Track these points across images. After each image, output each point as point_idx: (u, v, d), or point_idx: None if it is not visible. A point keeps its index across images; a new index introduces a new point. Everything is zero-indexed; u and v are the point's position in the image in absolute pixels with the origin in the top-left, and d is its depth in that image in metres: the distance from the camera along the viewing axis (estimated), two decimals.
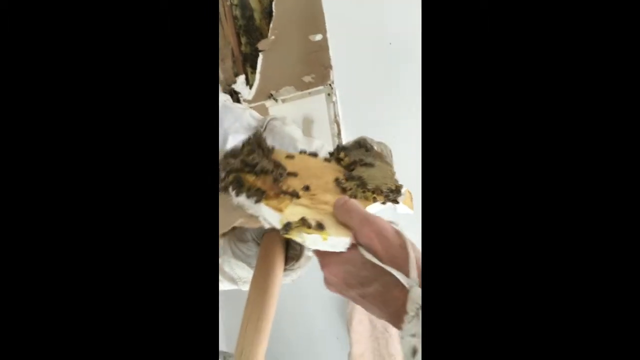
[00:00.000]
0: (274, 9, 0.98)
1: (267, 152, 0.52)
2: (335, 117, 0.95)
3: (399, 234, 0.36)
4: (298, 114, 0.98)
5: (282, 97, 1.00)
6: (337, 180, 0.49)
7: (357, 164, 0.53)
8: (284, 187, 0.44)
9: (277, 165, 0.48)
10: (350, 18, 0.91)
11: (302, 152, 0.58)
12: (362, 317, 0.94)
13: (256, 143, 0.52)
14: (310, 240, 0.38)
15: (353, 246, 0.38)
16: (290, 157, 0.54)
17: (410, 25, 0.83)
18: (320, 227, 0.38)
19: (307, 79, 0.96)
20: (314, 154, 0.58)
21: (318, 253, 0.40)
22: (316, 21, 0.94)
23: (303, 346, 1.18)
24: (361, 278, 0.36)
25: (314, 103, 0.96)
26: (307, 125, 0.97)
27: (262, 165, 0.46)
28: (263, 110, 0.98)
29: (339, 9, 0.91)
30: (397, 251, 0.34)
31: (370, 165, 0.53)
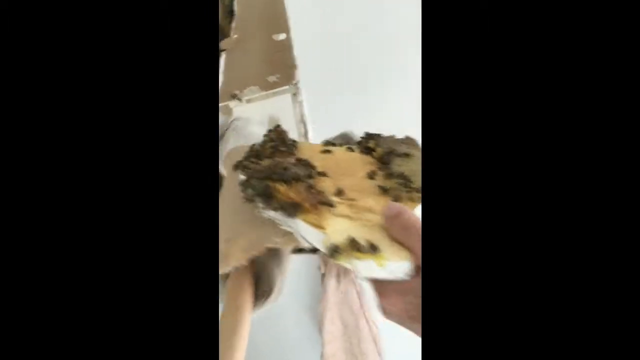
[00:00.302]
0: (235, 8, 0.97)
1: (291, 147, 0.45)
2: (302, 117, 0.94)
3: None
4: (264, 114, 0.97)
5: (246, 97, 0.98)
6: (370, 175, 0.42)
7: (392, 155, 0.44)
8: (320, 196, 0.36)
9: (305, 165, 0.41)
10: (315, 16, 0.91)
11: (328, 142, 0.50)
12: (333, 316, 0.95)
13: (278, 139, 0.45)
14: (364, 268, 0.30)
15: (415, 271, 0.31)
16: (326, 152, 0.45)
17: (380, 23, 0.84)
18: (373, 249, 0.31)
19: (271, 78, 0.95)
20: (335, 144, 0.49)
21: (372, 280, 0.33)
22: (279, 20, 0.93)
23: (272, 347, 1.16)
24: None
25: (279, 103, 0.95)
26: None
27: (293, 172, 0.38)
28: (227, 111, 0.96)
29: (303, 7, 0.91)
30: None
31: (406, 155, 0.44)
